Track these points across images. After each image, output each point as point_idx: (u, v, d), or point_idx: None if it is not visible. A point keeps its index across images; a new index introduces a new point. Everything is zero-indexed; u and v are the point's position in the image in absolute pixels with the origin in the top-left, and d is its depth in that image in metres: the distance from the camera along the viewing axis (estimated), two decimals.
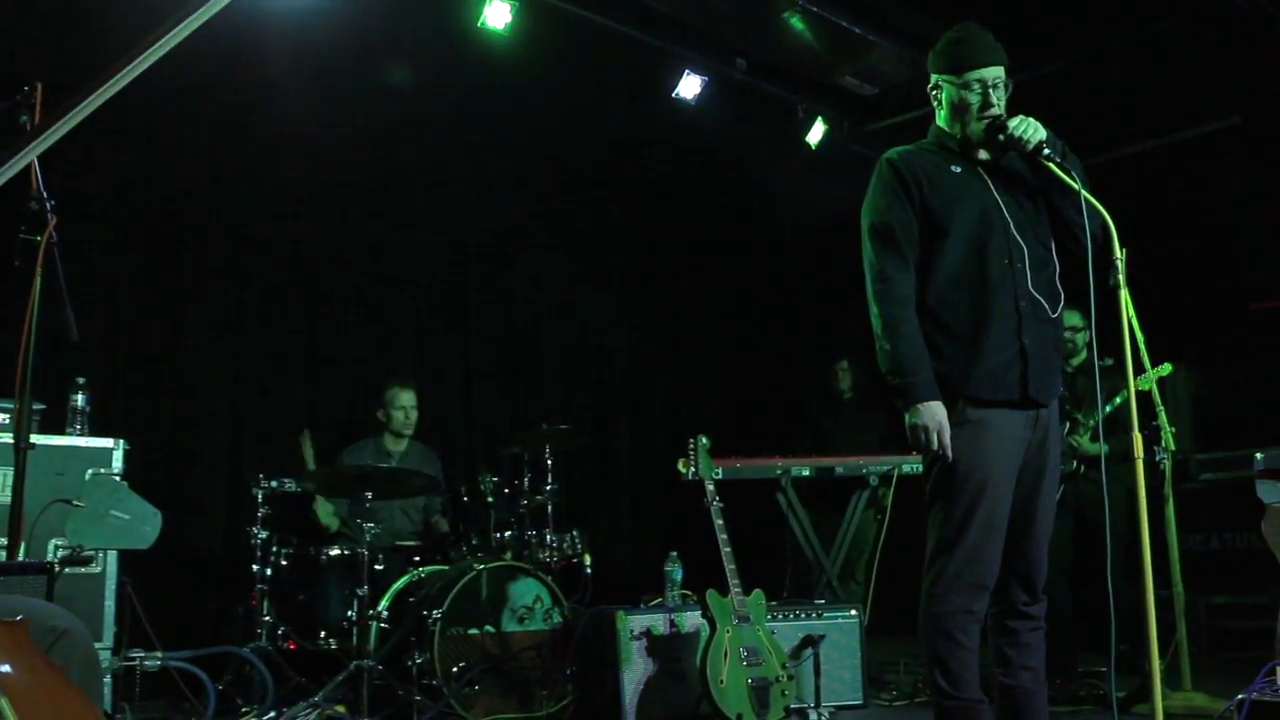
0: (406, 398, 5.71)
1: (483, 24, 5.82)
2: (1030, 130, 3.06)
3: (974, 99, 3.12)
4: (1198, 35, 6.14)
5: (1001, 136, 3.09)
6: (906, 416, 2.99)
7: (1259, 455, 4.48)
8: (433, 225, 6.87)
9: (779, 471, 5.46)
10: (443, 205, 6.89)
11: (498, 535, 5.11)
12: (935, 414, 2.96)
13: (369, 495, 4.77)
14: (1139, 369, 4.64)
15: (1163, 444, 4.60)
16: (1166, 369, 4.90)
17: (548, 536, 5.15)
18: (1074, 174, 3.03)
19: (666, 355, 7.93)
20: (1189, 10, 5.92)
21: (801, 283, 8.57)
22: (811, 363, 7.26)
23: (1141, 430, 2.85)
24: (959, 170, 3.16)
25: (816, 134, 7.30)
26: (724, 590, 4.27)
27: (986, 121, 3.11)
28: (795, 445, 6.34)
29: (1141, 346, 4.35)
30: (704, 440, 4.79)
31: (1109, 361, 5.22)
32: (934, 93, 3.22)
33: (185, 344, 5.88)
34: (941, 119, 3.25)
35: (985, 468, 2.95)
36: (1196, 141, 7.13)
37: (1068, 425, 5.34)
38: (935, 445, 2.95)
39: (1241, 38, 6.05)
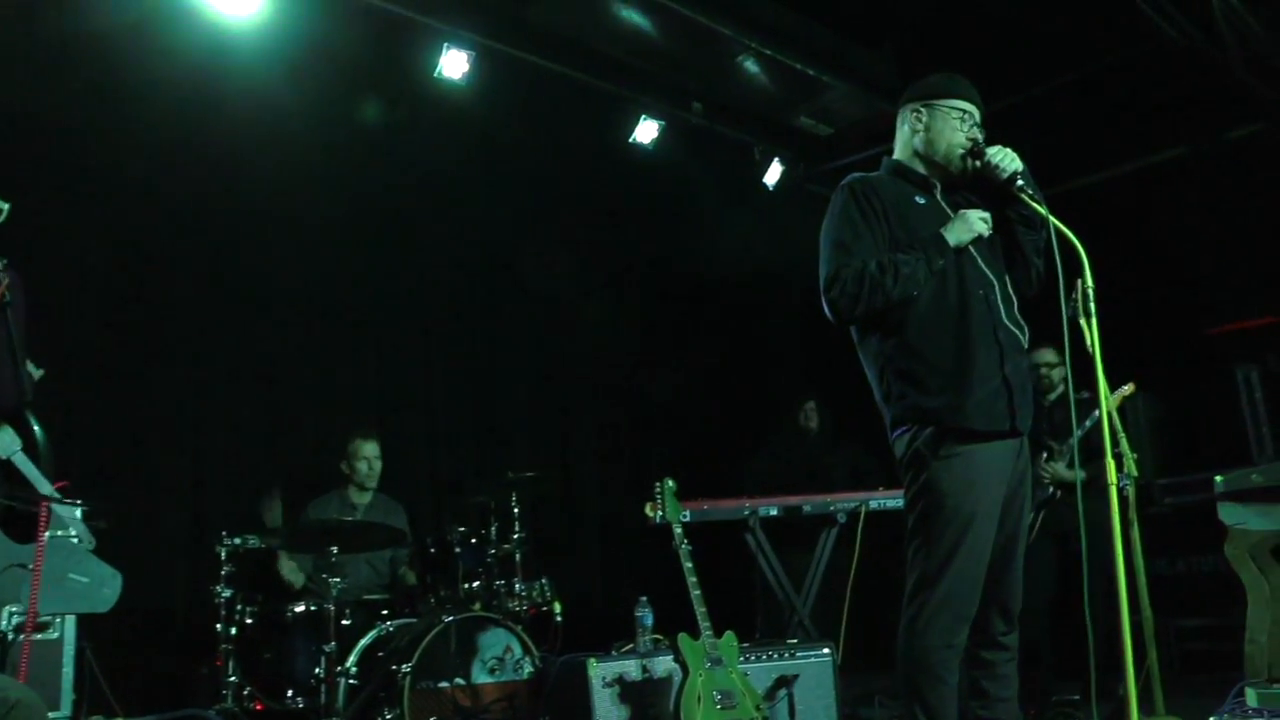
0: (369, 449, 5.63)
1: (439, 74, 5.82)
2: (1007, 159, 3.12)
3: (960, 124, 3.18)
4: (1146, 69, 6.27)
5: (978, 163, 3.14)
6: (954, 237, 3.05)
7: (1219, 479, 4.50)
8: (394, 275, 6.83)
9: (746, 512, 5.40)
10: (404, 255, 6.86)
11: (466, 586, 5.03)
12: (962, 220, 3.07)
13: (334, 549, 4.72)
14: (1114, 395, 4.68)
15: (1125, 470, 4.63)
16: (1129, 388, 4.95)
17: (517, 585, 5.10)
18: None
19: (631, 400, 7.91)
20: (1137, 44, 6.03)
21: (765, 323, 8.59)
22: (778, 403, 7.25)
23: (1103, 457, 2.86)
24: (923, 201, 3.20)
25: (774, 175, 7.34)
26: (695, 633, 4.22)
27: (968, 146, 3.16)
28: (762, 484, 6.34)
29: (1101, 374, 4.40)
30: (670, 483, 4.77)
31: (1085, 395, 5.27)
32: (914, 117, 3.24)
33: (143, 396, 5.75)
34: (903, 151, 3.30)
35: (974, 501, 2.94)
36: (1147, 172, 7.24)
37: (1045, 453, 5.42)
38: (977, 225, 3.07)
39: (1188, 72, 6.17)
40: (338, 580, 4.67)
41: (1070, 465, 5.54)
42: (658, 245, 7.80)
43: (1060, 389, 5.61)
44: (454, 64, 5.79)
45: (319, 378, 6.44)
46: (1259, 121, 6.71)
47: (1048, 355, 5.46)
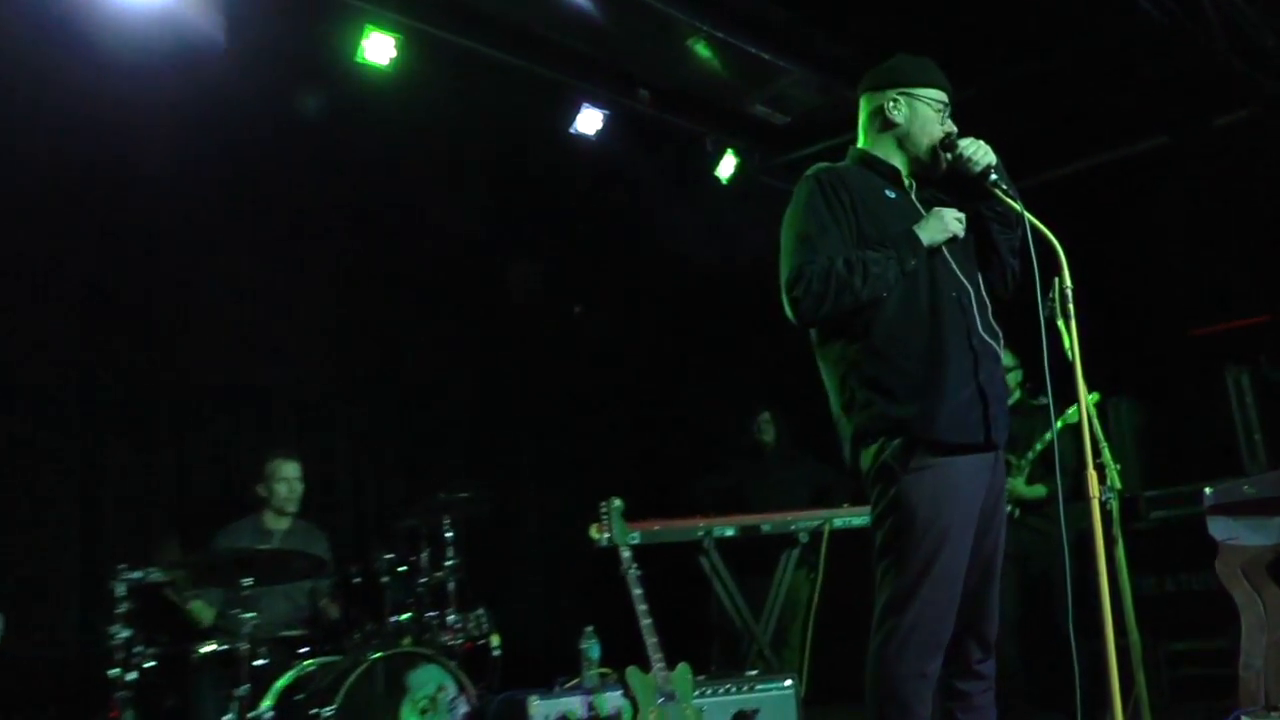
0: (289, 469, 5.56)
1: (361, 58, 5.73)
2: (980, 152, 3.15)
3: (933, 114, 3.21)
4: (1123, 54, 6.32)
5: (950, 155, 3.17)
6: (928, 236, 3.07)
7: (1208, 490, 4.52)
8: (313, 279, 6.71)
9: (700, 533, 5.41)
10: (324, 256, 6.74)
11: (394, 619, 4.98)
12: (937, 218, 3.09)
13: (248, 581, 4.63)
14: (1072, 403, 4.69)
15: (1108, 483, 4.64)
16: (1093, 399, 4.99)
17: (450, 617, 5.07)
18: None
19: (573, 412, 7.87)
20: (1115, 22, 6.07)
21: (718, 328, 8.59)
22: (732, 414, 7.25)
23: (1079, 469, 2.87)
24: (895, 196, 3.22)
25: (727, 167, 7.32)
26: (646, 666, 4.22)
27: (940, 137, 3.19)
28: (717, 503, 6.33)
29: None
30: (617, 503, 4.79)
31: (1044, 400, 5.29)
32: (890, 105, 3.23)
33: (23, 403, 5.53)
34: (871, 140, 3.31)
35: (947, 516, 2.94)
36: (1125, 163, 7.31)
37: None
38: (952, 225, 3.10)
39: (1170, 53, 6.22)
40: (251, 615, 4.56)
41: (1030, 481, 5.58)
42: (601, 244, 7.77)
43: (1016, 394, 5.64)
44: (378, 48, 5.71)
45: (229, 393, 6.31)
46: (1246, 107, 6.78)
47: (1005, 358, 5.49)
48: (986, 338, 3.11)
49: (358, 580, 5.13)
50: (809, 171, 3.24)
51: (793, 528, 5.57)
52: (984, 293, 3.21)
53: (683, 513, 5.64)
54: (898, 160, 3.27)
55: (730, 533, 5.47)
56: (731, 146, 7.34)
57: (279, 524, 5.55)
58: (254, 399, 6.43)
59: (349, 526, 6.56)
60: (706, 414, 8.20)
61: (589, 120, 6.64)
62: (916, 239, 3.07)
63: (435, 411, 7.29)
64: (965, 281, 3.14)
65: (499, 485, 7.36)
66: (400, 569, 5.09)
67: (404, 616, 4.99)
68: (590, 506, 4.87)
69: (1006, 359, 5.37)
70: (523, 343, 7.77)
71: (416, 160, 6.63)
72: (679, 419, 8.15)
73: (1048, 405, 5.14)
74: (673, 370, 8.27)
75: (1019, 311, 3.25)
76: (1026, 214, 3.07)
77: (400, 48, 5.74)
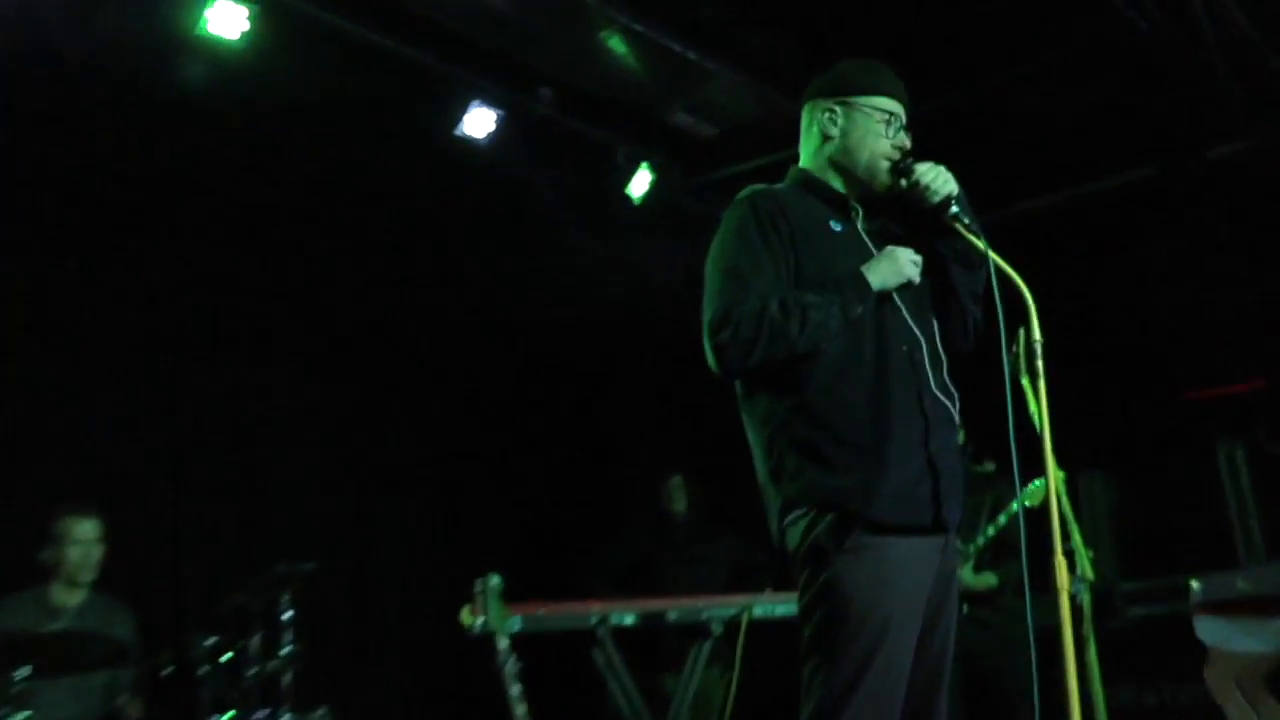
0: (85, 530, 5.39)
1: (203, 30, 5.63)
2: (939, 180, 3.16)
3: (884, 128, 3.23)
4: (1105, 71, 6.44)
5: (904, 183, 3.17)
6: (878, 279, 3.07)
7: (1195, 584, 4.57)
8: (127, 298, 6.62)
9: (595, 619, 5.38)
10: (144, 273, 6.66)
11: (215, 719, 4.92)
12: (890, 259, 3.09)
13: (23, 672, 4.51)
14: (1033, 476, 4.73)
15: (1078, 572, 4.67)
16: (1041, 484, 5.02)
17: (285, 718, 4.99)
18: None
19: (446, 469, 7.84)
20: (1099, 37, 6.18)
21: (624, 374, 8.57)
22: (637, 477, 7.24)
23: (1042, 555, 2.86)
24: (839, 229, 3.23)
25: (641, 185, 7.36)
26: None
27: (887, 154, 3.21)
28: (616, 583, 6.33)
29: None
30: (495, 580, 4.76)
31: (989, 466, 5.32)
32: (826, 118, 3.28)
33: None
34: (813, 159, 3.34)
35: (888, 606, 2.92)
36: (1106, 196, 7.44)
37: None
38: (907, 269, 3.11)
39: (1162, 74, 6.35)
40: (27, 715, 4.47)
41: (978, 568, 5.63)
42: (486, 273, 7.71)
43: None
44: (226, 18, 5.62)
45: (10, 440, 6.15)
46: (1245, 138, 6.95)
47: None
48: (941, 398, 3.13)
49: (169, 671, 5.03)
50: (742, 194, 3.26)
51: (705, 616, 5.55)
52: (939, 346, 3.23)
53: (574, 595, 5.59)
54: (842, 183, 3.30)
55: (630, 620, 5.43)
56: (648, 160, 7.38)
57: (70, 598, 5.38)
58: (43, 449, 6.26)
59: (163, 604, 6.38)
60: (607, 475, 8.18)
61: (479, 121, 6.58)
62: (864, 282, 3.07)
63: (276, 465, 7.20)
64: (918, 332, 3.15)
65: (354, 556, 7.38)
66: (224, 657, 5.01)
67: (225, 717, 4.90)
68: (463, 584, 4.84)
69: None
70: (384, 382, 7.72)
71: (266, 155, 6.50)
72: (573, 480, 8.16)
73: (995, 474, 5.20)
74: (568, 422, 8.28)
75: (969, 359, 3.29)
76: (991, 253, 3.08)
77: (252, 19, 5.65)
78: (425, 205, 7.25)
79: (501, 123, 6.65)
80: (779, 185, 3.33)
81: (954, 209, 3.14)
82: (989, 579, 5.65)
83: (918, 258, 3.17)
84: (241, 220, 6.84)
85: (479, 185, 7.03)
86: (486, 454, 7.86)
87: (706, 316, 3.10)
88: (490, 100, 6.61)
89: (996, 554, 5.61)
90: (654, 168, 7.40)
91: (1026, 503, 5.07)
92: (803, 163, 3.37)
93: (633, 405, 8.57)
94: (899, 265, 3.12)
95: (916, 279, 3.16)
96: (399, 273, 7.60)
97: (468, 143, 6.63)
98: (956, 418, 3.16)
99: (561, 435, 8.20)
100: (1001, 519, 5.31)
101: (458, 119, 6.56)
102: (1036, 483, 4.89)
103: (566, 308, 7.68)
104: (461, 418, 7.84)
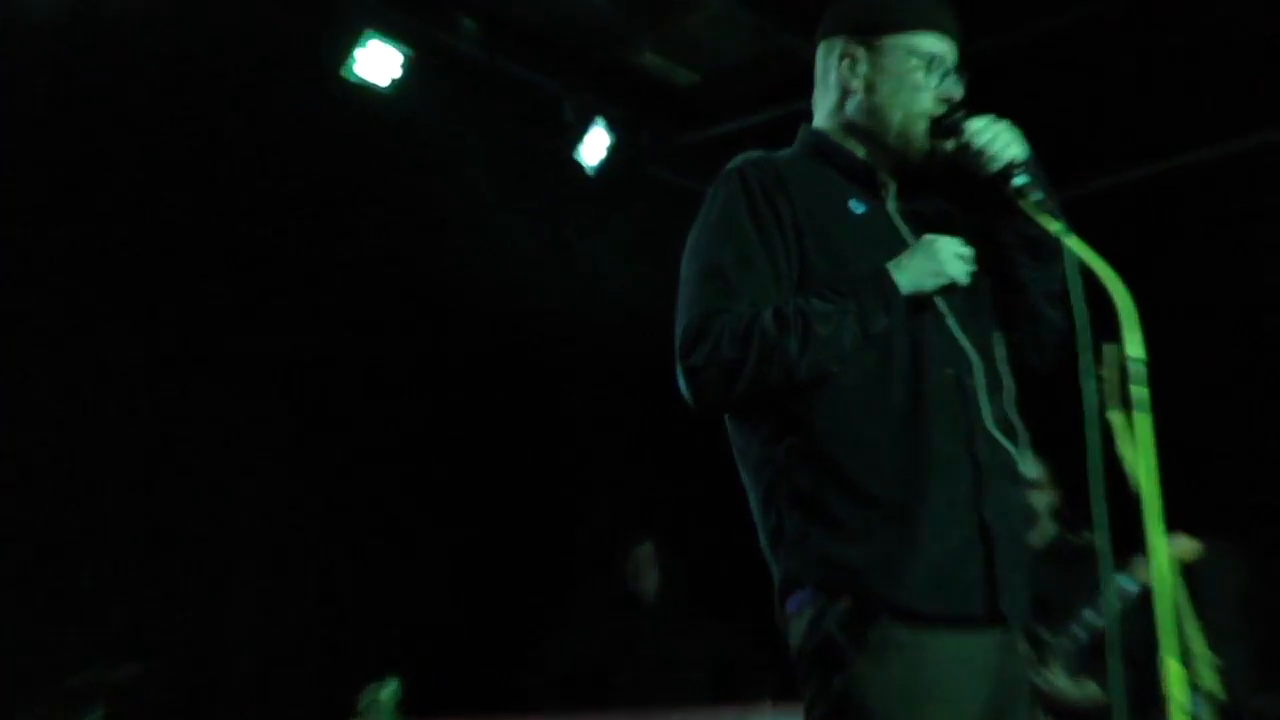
0: None
1: None
2: (1000, 142, 3.07)
3: (921, 76, 3.16)
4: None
5: (951, 145, 3.10)
6: (909, 280, 3.04)
7: None
8: None
9: None
10: None
11: None
12: (927, 252, 3.05)
13: None
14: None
15: (1198, 684, 4.67)
16: (1191, 547, 5.01)
17: None
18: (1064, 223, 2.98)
19: (331, 536, 7.76)
20: None
21: (574, 407, 8.55)
22: (593, 545, 7.24)
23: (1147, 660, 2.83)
24: (862, 211, 3.17)
25: (596, 148, 7.34)
26: None
27: (930, 112, 3.15)
28: (564, 689, 6.26)
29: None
30: (390, 688, 4.84)
31: (1087, 537, 5.29)
32: (845, 64, 3.24)
33: None
34: (829, 118, 3.29)
35: None
36: (1226, 165, 7.45)
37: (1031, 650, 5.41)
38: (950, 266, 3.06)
39: None
40: None
41: (1075, 672, 5.58)
42: (392, 264, 7.64)
43: (1049, 530, 5.67)
44: None
45: None
46: None
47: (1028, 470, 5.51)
48: (1000, 439, 3.03)
49: None
50: (732, 164, 3.19)
51: None
52: (1001, 367, 3.15)
53: (505, 707, 5.57)
54: (867, 149, 3.23)
55: None
56: (604, 116, 7.33)
57: None
58: None
59: None
60: (551, 543, 8.14)
61: (379, 62, 6.54)
62: (891, 284, 2.99)
63: (91, 536, 7.02)
64: (970, 350, 3.08)
65: (202, 654, 7.23)
66: None
67: None
68: (351, 691, 4.83)
69: (1029, 469, 5.41)
70: (252, 418, 7.58)
71: (88, 109, 6.49)
72: (503, 550, 8.04)
73: (1088, 545, 5.17)
74: (497, 470, 8.17)
75: (1051, 389, 3.16)
76: (1070, 239, 2.97)
77: None
78: (318, 172, 7.14)
79: (409, 65, 6.63)
80: (782, 152, 3.26)
81: (1020, 179, 3.03)
82: (1090, 688, 5.60)
83: (966, 250, 3.06)
84: (106, 191, 6.97)
85: (376, 148, 6.96)
86: (388, 513, 7.76)
87: (678, 334, 3.04)
88: (394, 35, 6.58)
89: (1101, 654, 5.55)
90: (612, 126, 7.41)
91: (1130, 586, 5.05)
92: (816, 122, 3.31)
93: (584, 446, 8.55)
94: (939, 261, 3.03)
95: (963, 280, 3.05)
96: (274, 260, 7.49)
97: (364, 89, 6.59)
98: (1020, 462, 3.08)
99: (487, 487, 8.09)
100: (1118, 604, 5.27)
101: (347, 57, 6.54)
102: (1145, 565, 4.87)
103: (495, 314, 7.66)
104: (350, 460, 7.74)
